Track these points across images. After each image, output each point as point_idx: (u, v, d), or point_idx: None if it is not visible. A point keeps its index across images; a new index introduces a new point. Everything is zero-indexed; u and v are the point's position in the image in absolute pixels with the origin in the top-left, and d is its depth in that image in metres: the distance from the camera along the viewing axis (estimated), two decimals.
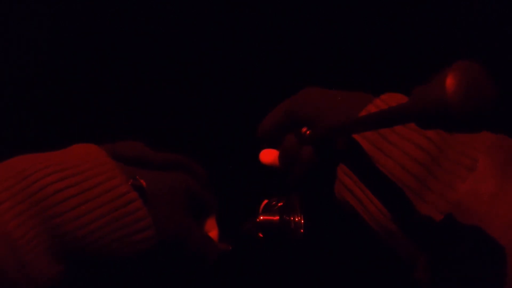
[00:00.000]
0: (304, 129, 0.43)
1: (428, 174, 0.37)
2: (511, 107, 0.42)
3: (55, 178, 0.37)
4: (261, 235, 0.47)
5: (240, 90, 0.67)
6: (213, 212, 0.49)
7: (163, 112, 0.70)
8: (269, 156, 0.48)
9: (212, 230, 0.49)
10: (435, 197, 0.37)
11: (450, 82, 0.26)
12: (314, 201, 0.46)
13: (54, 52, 0.68)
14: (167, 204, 0.42)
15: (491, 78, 0.27)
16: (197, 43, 0.70)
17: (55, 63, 0.68)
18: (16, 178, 0.37)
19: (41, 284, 0.36)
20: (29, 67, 0.67)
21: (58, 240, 0.36)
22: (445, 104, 0.26)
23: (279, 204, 0.47)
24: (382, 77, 0.65)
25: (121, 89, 0.70)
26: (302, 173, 0.44)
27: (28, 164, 0.37)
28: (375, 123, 0.34)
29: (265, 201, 0.47)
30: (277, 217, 0.47)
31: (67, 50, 0.68)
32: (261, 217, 0.47)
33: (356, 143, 0.40)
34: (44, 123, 0.68)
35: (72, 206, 0.37)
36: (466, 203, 0.36)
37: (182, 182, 0.45)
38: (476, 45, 0.64)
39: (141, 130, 0.67)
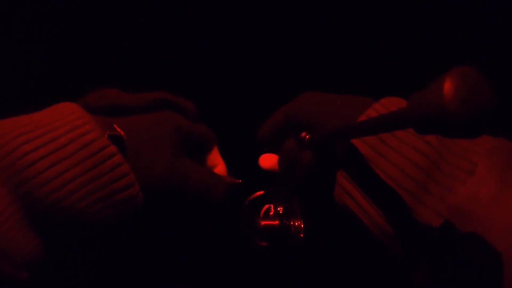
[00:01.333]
0: (303, 134, 0.43)
1: (428, 178, 0.37)
2: (511, 109, 0.42)
3: (23, 140, 0.33)
4: (263, 242, 0.46)
5: (239, 94, 0.67)
6: (213, 146, 0.46)
7: None
8: (268, 160, 0.48)
9: (217, 165, 0.46)
10: (435, 200, 0.37)
11: (447, 87, 0.26)
12: (314, 205, 0.46)
13: (54, 52, 0.68)
14: (153, 149, 0.39)
15: (489, 84, 0.27)
16: (197, 48, 0.70)
17: (55, 63, 0.68)
18: None
19: (18, 260, 0.33)
20: (29, 68, 0.67)
21: (32, 209, 0.33)
22: (443, 109, 0.26)
23: (279, 209, 0.47)
24: (382, 78, 0.66)
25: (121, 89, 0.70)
26: (301, 177, 0.44)
27: (7, 129, 0.34)
28: (374, 128, 0.34)
29: (266, 206, 0.47)
30: (277, 222, 0.47)
31: (67, 51, 0.68)
32: (261, 222, 0.47)
33: (356, 147, 0.40)
34: None
35: (42, 169, 0.32)
36: (466, 207, 0.36)
37: (168, 121, 0.41)
38: (475, 46, 0.64)
39: None
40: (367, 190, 0.40)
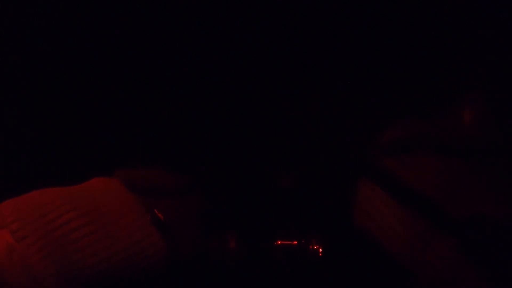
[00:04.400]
0: None
1: (452, 189, 0.38)
2: None
3: (74, 215, 0.38)
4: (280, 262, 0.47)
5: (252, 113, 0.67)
6: (233, 226, 0.49)
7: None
8: (286, 179, 0.48)
9: (235, 247, 0.49)
10: (459, 208, 0.37)
11: (466, 112, 0.27)
12: (332, 226, 0.47)
13: (54, 53, 0.68)
14: (186, 231, 0.43)
15: (504, 109, 0.28)
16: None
17: (55, 64, 0.69)
18: (37, 214, 0.38)
19: None
20: (29, 68, 0.68)
21: (78, 275, 0.37)
22: (464, 135, 0.27)
23: (297, 229, 0.47)
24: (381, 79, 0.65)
25: (122, 94, 0.70)
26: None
27: (49, 200, 0.39)
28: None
29: (284, 226, 0.48)
30: (295, 242, 0.47)
31: (67, 52, 0.68)
32: (279, 242, 0.47)
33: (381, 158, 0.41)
34: (47, 125, 0.69)
35: (91, 242, 0.37)
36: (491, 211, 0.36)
37: (199, 205, 0.46)
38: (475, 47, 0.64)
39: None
40: (391, 197, 0.41)
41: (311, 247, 0.46)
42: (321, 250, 0.46)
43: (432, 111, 0.31)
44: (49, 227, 0.37)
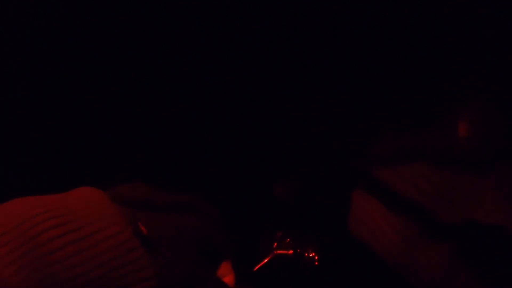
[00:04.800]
0: None
1: (442, 196, 0.39)
2: None
3: (51, 224, 0.36)
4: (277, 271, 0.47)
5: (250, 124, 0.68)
6: (227, 256, 0.47)
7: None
8: (282, 189, 0.49)
9: (228, 275, 0.47)
10: (450, 215, 0.38)
11: (460, 125, 0.28)
12: (327, 234, 0.47)
13: (54, 54, 0.68)
14: (174, 250, 0.41)
15: (500, 119, 0.29)
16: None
17: (54, 65, 0.68)
18: (13, 223, 0.36)
19: None
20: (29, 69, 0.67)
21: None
22: (456, 145, 0.28)
23: (293, 238, 0.48)
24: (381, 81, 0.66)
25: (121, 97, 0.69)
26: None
27: (26, 209, 0.37)
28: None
29: (279, 234, 0.48)
30: (291, 251, 0.48)
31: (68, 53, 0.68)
32: (276, 251, 0.48)
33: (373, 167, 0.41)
34: (45, 127, 0.68)
35: (69, 255, 0.35)
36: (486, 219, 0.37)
37: (192, 226, 0.43)
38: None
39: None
40: (384, 207, 0.41)
41: (307, 255, 0.47)
42: (317, 258, 0.47)
43: (425, 122, 0.32)
44: (26, 236, 0.35)
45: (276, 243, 0.48)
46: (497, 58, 0.59)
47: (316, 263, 0.47)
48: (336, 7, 0.68)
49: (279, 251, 0.48)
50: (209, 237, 0.44)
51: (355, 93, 0.62)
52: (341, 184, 0.44)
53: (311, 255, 0.47)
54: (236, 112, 0.69)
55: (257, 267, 0.47)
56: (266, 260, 0.47)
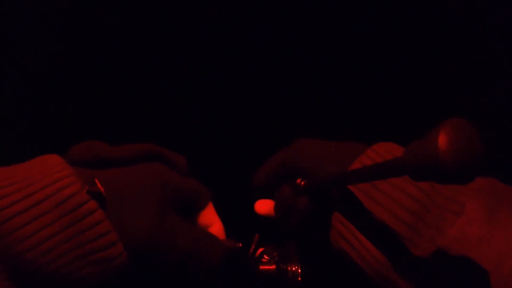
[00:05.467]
0: (299, 180, 0.44)
1: (419, 220, 0.39)
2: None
3: (6, 192, 0.32)
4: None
5: (235, 130, 0.68)
6: (206, 203, 0.43)
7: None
8: (264, 206, 0.49)
9: (213, 224, 0.43)
10: (425, 242, 0.39)
11: (441, 140, 0.28)
12: (310, 250, 0.47)
13: (54, 54, 0.68)
14: (136, 206, 0.37)
15: (479, 135, 0.30)
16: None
17: (54, 65, 0.68)
18: None
19: None
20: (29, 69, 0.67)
21: (9, 266, 0.32)
22: (437, 161, 0.28)
23: (275, 253, 0.48)
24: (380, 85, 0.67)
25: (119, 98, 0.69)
26: (297, 222, 0.45)
27: None
28: (371, 176, 0.36)
29: (261, 249, 0.48)
30: (273, 266, 0.47)
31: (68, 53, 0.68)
32: (258, 267, 0.48)
33: (350, 192, 0.42)
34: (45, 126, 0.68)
35: (18, 226, 0.32)
36: (454, 247, 0.38)
37: (154, 175, 0.39)
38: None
39: None
40: (362, 233, 0.41)
41: (290, 270, 0.47)
42: (300, 272, 0.47)
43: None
44: None
45: (258, 257, 0.48)
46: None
47: (300, 278, 0.47)
48: (336, 6, 0.69)
49: (262, 266, 0.47)
50: (178, 186, 0.40)
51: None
52: (324, 199, 0.44)
53: (294, 270, 0.47)
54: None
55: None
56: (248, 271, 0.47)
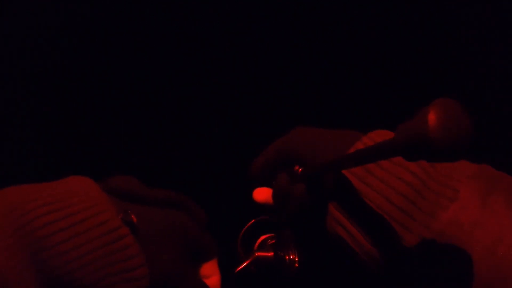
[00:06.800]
0: (296, 167, 0.45)
1: (413, 206, 0.40)
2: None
3: (43, 211, 0.36)
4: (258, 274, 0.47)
5: (233, 126, 0.68)
6: (213, 257, 0.47)
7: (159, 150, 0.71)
8: (262, 194, 0.50)
9: (212, 276, 0.47)
10: (419, 226, 0.39)
11: (431, 118, 0.29)
12: (307, 237, 0.48)
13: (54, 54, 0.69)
14: (160, 243, 0.41)
15: (467, 113, 0.30)
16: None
17: (54, 65, 0.69)
18: (5, 211, 0.36)
19: None
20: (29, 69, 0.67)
21: (46, 275, 0.35)
22: (428, 138, 0.29)
23: (273, 241, 0.49)
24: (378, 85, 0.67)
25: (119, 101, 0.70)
26: (295, 209, 0.45)
27: (17, 197, 0.37)
28: (364, 158, 0.37)
29: (261, 238, 0.49)
30: (271, 254, 0.48)
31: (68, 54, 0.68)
32: (256, 254, 0.48)
33: (346, 178, 0.42)
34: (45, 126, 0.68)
35: (60, 241, 0.36)
36: (448, 232, 0.38)
37: (179, 222, 0.44)
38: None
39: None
40: (357, 219, 0.42)
41: (287, 257, 0.48)
42: (297, 259, 0.47)
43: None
44: (18, 223, 0.36)
45: (256, 245, 0.49)
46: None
47: (297, 265, 0.47)
48: (336, 6, 0.69)
49: (259, 253, 0.48)
50: (196, 236, 0.45)
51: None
52: (320, 186, 0.45)
53: (291, 257, 0.48)
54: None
55: (238, 269, 0.48)
56: (247, 263, 0.48)
